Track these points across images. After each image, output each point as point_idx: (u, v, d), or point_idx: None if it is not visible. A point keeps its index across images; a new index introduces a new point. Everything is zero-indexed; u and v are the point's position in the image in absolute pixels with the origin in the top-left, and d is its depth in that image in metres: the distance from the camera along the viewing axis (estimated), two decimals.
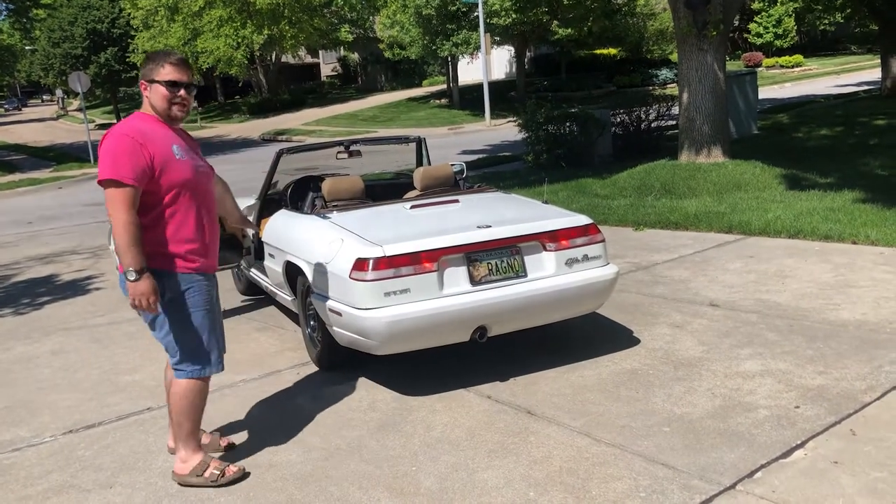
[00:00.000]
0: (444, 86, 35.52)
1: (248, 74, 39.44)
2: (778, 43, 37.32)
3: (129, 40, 38.33)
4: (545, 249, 4.12)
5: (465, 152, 17.08)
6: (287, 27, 34.13)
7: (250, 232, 5.65)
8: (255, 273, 5.68)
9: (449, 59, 31.27)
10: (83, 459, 3.59)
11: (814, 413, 3.44)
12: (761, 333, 4.51)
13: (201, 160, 3.34)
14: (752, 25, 38.06)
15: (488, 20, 25.77)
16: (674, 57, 32.54)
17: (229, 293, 6.48)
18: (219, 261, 5.70)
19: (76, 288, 7.36)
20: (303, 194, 5.48)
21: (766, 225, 6.96)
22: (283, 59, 42.57)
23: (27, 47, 54.21)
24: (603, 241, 4.32)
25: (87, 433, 3.89)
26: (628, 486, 2.97)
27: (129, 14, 37.33)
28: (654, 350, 4.40)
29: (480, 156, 16.16)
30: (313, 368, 4.55)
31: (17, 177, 21.51)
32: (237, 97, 45.62)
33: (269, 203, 5.64)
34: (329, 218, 4.50)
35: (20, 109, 73.38)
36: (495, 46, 31.09)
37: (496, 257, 4.00)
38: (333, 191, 4.91)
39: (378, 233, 4.04)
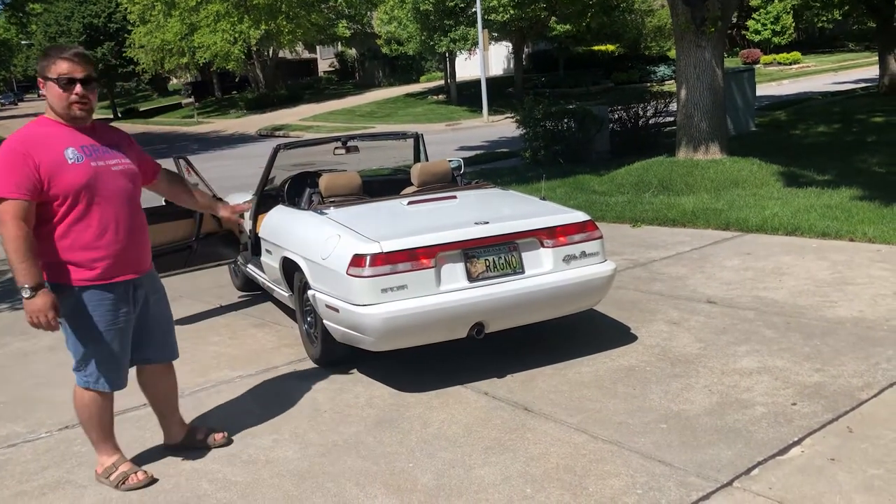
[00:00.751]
0: (442, 82, 35.47)
1: (245, 70, 39.33)
2: (776, 40, 37.30)
3: (126, 35, 38.22)
4: (543, 246, 4.12)
5: (462, 148, 17.06)
6: (284, 22, 34.04)
7: (247, 228, 5.65)
8: (251, 269, 5.67)
9: (446, 55, 31.21)
10: (79, 455, 3.58)
11: (811, 410, 3.44)
12: (758, 330, 4.51)
13: (119, 158, 3.09)
14: (750, 22, 38.05)
15: (486, 16, 25.73)
16: (672, 54, 32.52)
17: (226, 289, 6.47)
18: (215, 256, 5.72)
19: None
20: (300, 190, 5.47)
21: (763, 222, 6.96)
22: (281, 54, 42.46)
23: (23, 42, 54.03)
24: (600, 237, 4.32)
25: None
26: (625, 483, 2.97)
27: (126, 9, 37.23)
28: (652, 347, 4.40)
29: (478, 152, 16.14)
30: (310, 365, 4.54)
31: None
32: (234, 92, 45.51)
33: (267, 199, 5.63)
34: (326, 214, 4.48)
35: (16, 104, 73.25)
36: (493, 42, 31.03)
37: (493, 254, 4.00)
38: (331, 187, 4.90)
39: (375, 229, 4.03)
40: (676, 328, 4.67)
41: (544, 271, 4.09)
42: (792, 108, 18.11)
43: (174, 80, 59.29)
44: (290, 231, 4.74)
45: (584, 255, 4.21)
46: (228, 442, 3.57)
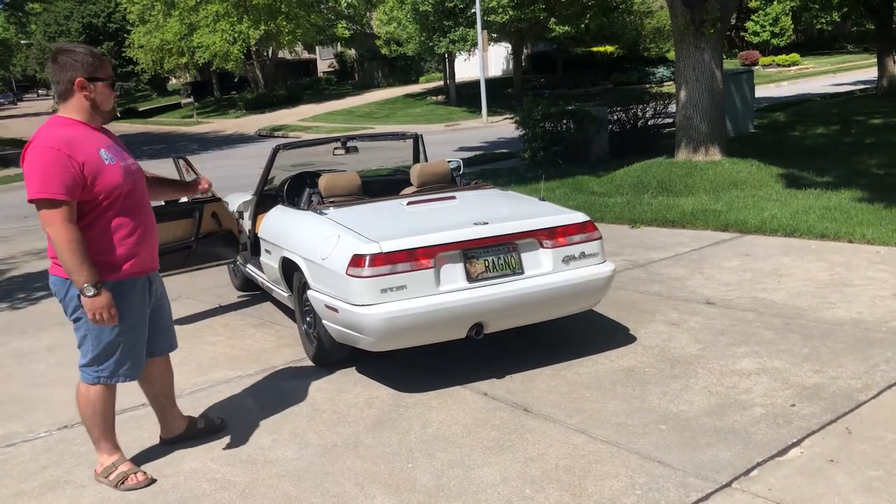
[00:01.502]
0: (441, 82, 35.49)
1: (244, 70, 39.35)
2: (775, 41, 37.36)
3: (125, 35, 38.27)
4: (542, 246, 4.12)
5: (461, 149, 17.07)
6: (284, 22, 34.09)
7: (246, 228, 5.65)
8: (251, 269, 5.67)
9: (446, 55, 31.25)
10: (78, 455, 3.58)
11: (810, 411, 3.45)
12: (757, 332, 4.52)
13: (129, 157, 3.24)
14: (749, 24, 38.10)
15: (485, 17, 25.74)
16: (671, 55, 32.57)
17: (225, 289, 6.47)
18: (214, 256, 5.72)
19: None
20: (299, 190, 5.47)
21: (762, 223, 6.96)
22: (280, 54, 42.49)
23: (23, 41, 54.01)
24: (600, 238, 4.32)
25: (82, 429, 3.84)
26: (624, 484, 2.97)
27: (125, 9, 37.24)
28: (651, 348, 4.40)
29: (477, 153, 16.14)
30: (309, 365, 4.54)
31: (12, 171, 21.42)
32: (233, 92, 45.52)
33: (266, 199, 5.63)
34: (326, 214, 4.48)
35: (16, 104, 73.21)
36: (492, 43, 31.06)
37: (493, 254, 4.00)
38: (330, 187, 4.90)
39: (375, 229, 4.03)
40: (675, 329, 4.67)
41: (543, 272, 4.09)
42: (791, 110, 18.13)
43: (173, 80, 59.31)
44: (289, 231, 4.74)
45: (583, 255, 4.21)
46: (224, 426, 3.69)
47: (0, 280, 7.79)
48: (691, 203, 8.13)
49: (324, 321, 4.15)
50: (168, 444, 3.58)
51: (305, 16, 34.96)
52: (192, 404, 4.01)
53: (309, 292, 4.25)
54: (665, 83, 29.49)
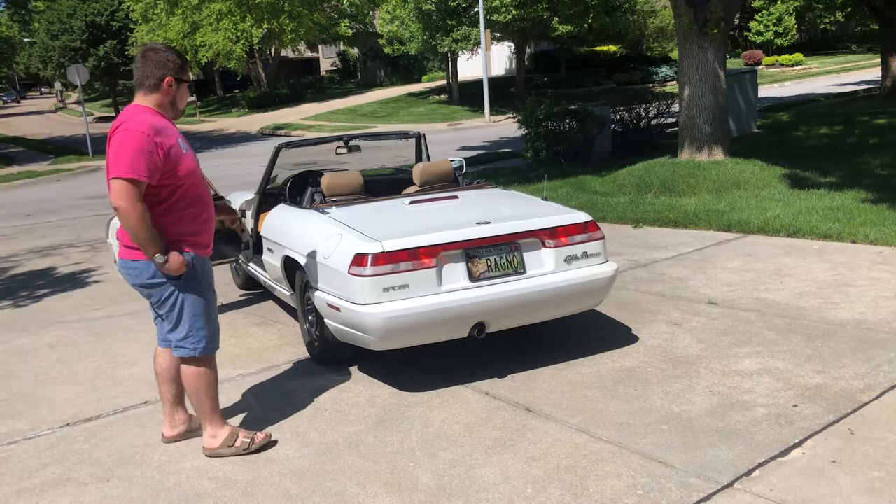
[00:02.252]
0: (444, 82, 35.49)
1: (247, 68, 39.37)
2: (778, 41, 37.29)
3: (129, 33, 38.23)
4: (544, 246, 4.12)
5: (464, 148, 17.07)
6: (287, 21, 34.09)
7: (248, 226, 5.65)
8: (253, 267, 5.68)
9: (448, 54, 31.24)
10: (80, 453, 3.58)
11: (812, 412, 3.44)
12: (760, 332, 4.51)
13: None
14: (752, 24, 38.03)
15: (488, 16, 25.75)
16: (674, 55, 32.55)
17: (227, 287, 6.47)
18: (217, 255, 5.73)
19: (74, 281, 7.35)
20: (302, 189, 5.47)
21: (765, 223, 6.96)
22: (283, 53, 42.50)
23: (26, 39, 54.01)
24: (602, 238, 4.32)
25: (85, 426, 3.88)
26: (626, 484, 2.97)
27: (129, 7, 37.24)
28: (653, 348, 4.40)
29: (480, 152, 16.14)
30: (311, 363, 4.54)
31: (14, 169, 21.48)
32: (236, 91, 45.53)
33: (268, 197, 5.63)
34: (328, 213, 4.49)
35: (19, 102, 73.23)
36: (495, 43, 31.08)
37: (495, 254, 4.00)
38: (332, 186, 4.90)
39: (377, 228, 4.03)
40: (678, 329, 4.67)
41: (546, 271, 4.09)
42: (794, 110, 18.10)
43: None
44: (291, 230, 4.74)
45: (585, 255, 4.20)
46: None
47: (2, 278, 7.80)
48: (694, 203, 8.13)
49: (326, 320, 4.15)
50: (170, 442, 3.59)
51: (308, 14, 34.95)
52: None
53: (311, 291, 4.25)
54: (668, 83, 29.47)
